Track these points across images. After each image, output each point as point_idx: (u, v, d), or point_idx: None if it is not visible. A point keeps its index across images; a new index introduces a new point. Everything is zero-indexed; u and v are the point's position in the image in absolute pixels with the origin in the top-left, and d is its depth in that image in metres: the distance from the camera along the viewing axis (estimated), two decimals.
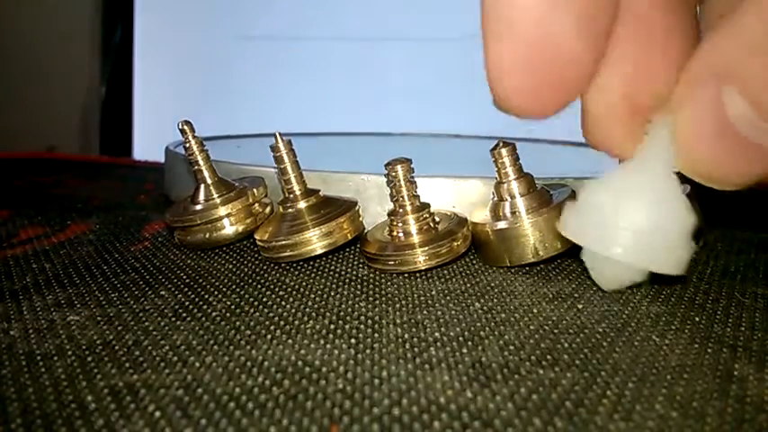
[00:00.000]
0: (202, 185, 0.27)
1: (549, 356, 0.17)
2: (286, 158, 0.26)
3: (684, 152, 0.16)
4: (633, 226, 0.18)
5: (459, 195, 0.27)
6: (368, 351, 0.18)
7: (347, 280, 0.24)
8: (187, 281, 0.23)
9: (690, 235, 0.18)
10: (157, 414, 0.14)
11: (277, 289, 0.23)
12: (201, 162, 0.27)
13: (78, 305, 0.21)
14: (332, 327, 0.19)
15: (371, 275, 0.24)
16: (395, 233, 0.25)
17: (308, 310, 0.21)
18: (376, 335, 0.19)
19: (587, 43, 0.15)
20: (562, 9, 0.15)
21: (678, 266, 0.18)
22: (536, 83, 0.16)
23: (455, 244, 0.24)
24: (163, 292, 0.22)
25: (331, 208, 0.25)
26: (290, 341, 0.18)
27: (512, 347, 0.18)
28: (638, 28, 0.16)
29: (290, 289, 0.23)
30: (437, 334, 0.19)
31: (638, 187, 0.18)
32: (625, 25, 0.16)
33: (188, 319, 0.20)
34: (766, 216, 0.36)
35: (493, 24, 0.15)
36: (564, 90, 0.16)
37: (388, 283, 0.23)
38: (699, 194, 0.31)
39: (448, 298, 0.22)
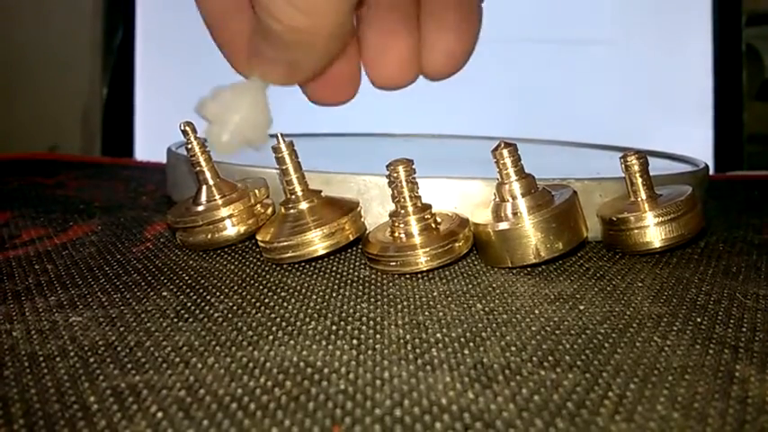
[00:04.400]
0: (204, 186, 0.27)
1: (550, 357, 0.17)
2: (288, 159, 0.26)
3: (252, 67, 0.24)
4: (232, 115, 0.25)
5: (460, 196, 0.27)
6: (370, 352, 0.18)
7: (349, 281, 0.24)
8: (189, 282, 0.23)
9: (261, 129, 0.25)
10: (159, 415, 0.14)
11: (279, 290, 0.23)
12: (203, 163, 0.27)
13: (80, 306, 0.21)
14: (334, 328, 0.19)
15: (373, 276, 0.24)
16: (396, 234, 0.25)
17: (309, 311, 0.21)
18: (378, 336, 0.19)
19: None
20: None
21: (263, 138, 0.25)
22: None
23: (457, 245, 0.24)
24: (165, 293, 0.22)
25: (333, 209, 0.25)
26: (291, 342, 0.18)
27: (513, 348, 0.18)
28: None
29: (291, 290, 0.23)
30: (439, 335, 0.19)
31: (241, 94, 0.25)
32: None
33: (190, 320, 0.20)
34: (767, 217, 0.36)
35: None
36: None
37: (390, 284, 0.23)
38: (700, 196, 0.31)
39: (449, 299, 0.22)
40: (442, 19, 0.24)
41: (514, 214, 0.24)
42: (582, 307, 0.21)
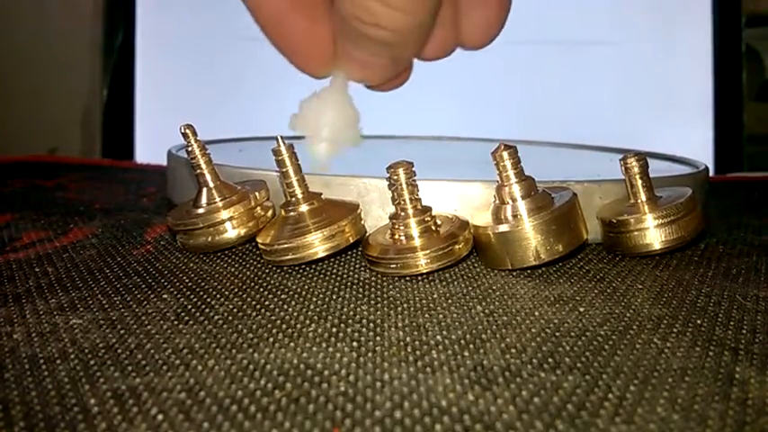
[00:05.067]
0: (204, 189, 0.27)
1: (550, 359, 0.17)
2: (288, 162, 0.26)
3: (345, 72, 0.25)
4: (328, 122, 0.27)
5: (460, 198, 0.27)
6: (370, 354, 0.18)
7: (349, 283, 0.24)
8: (189, 284, 0.23)
9: (354, 128, 0.27)
10: (160, 417, 0.14)
11: (279, 292, 0.23)
12: (204, 165, 0.27)
13: (81, 308, 0.21)
14: (334, 330, 0.19)
15: (373, 279, 0.24)
16: (396, 236, 0.25)
17: (309, 313, 0.21)
18: (378, 338, 0.19)
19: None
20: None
21: (354, 141, 0.27)
22: None
23: (457, 247, 0.24)
24: (165, 296, 0.22)
25: (333, 211, 0.25)
26: (292, 344, 0.18)
27: (513, 351, 0.18)
28: None
29: (291, 292, 0.23)
30: (439, 337, 0.19)
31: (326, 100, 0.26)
32: None
33: (190, 322, 0.20)
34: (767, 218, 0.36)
35: None
36: None
37: (390, 287, 0.23)
38: (700, 198, 0.31)
39: (449, 301, 0.22)
40: None
41: (514, 216, 0.24)
42: (582, 309, 0.21)
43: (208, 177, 0.27)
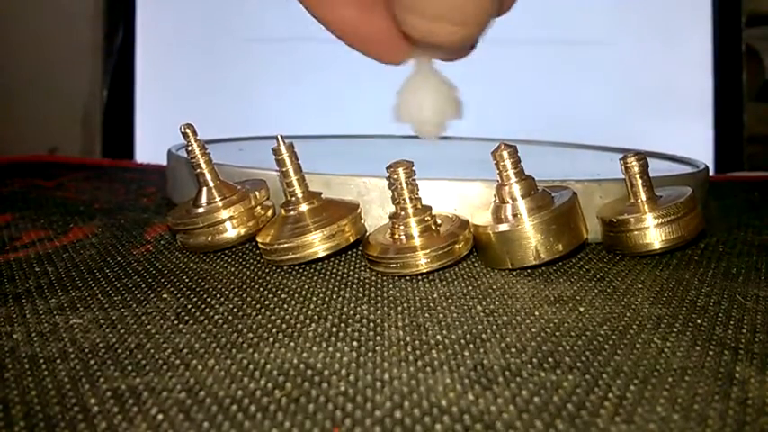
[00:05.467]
0: (204, 188, 0.27)
1: (550, 359, 0.17)
2: (288, 161, 0.26)
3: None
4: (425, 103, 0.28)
5: (460, 198, 0.27)
6: (370, 354, 0.18)
7: (349, 283, 0.24)
8: (189, 284, 0.23)
9: (454, 100, 0.28)
10: (160, 417, 0.14)
11: (279, 292, 0.23)
12: (204, 165, 0.27)
13: (81, 308, 0.21)
14: (334, 330, 0.19)
15: (373, 278, 0.24)
16: (396, 236, 0.25)
17: (309, 312, 0.21)
18: (378, 338, 0.19)
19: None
20: None
21: (457, 113, 0.28)
22: None
23: (457, 247, 0.24)
24: (165, 295, 0.22)
25: (333, 211, 0.25)
26: (292, 344, 0.18)
27: (513, 350, 0.18)
28: None
29: (291, 292, 0.23)
30: (439, 337, 0.19)
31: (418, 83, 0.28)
32: None
33: (190, 321, 0.20)
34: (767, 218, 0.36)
35: None
36: None
37: (390, 286, 0.23)
38: (700, 197, 0.31)
39: (449, 301, 0.22)
40: None
41: (514, 216, 0.24)
42: (582, 308, 0.21)
43: (208, 177, 0.27)
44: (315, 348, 0.18)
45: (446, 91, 0.28)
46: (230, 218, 0.26)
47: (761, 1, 0.76)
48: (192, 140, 0.27)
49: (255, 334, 0.19)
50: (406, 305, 0.21)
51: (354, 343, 0.18)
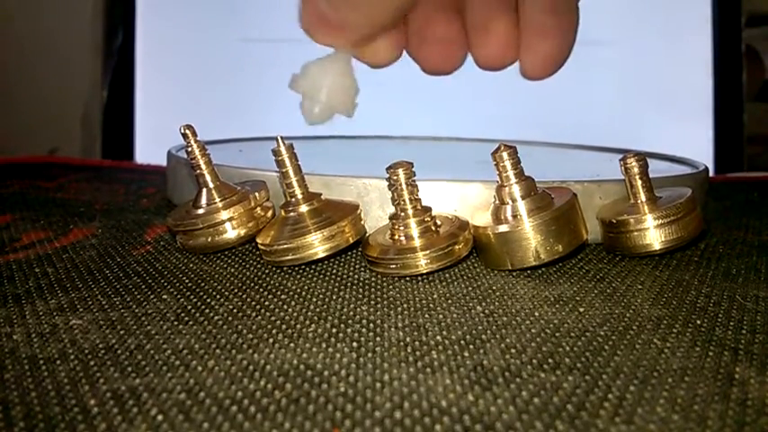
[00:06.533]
0: (204, 189, 0.27)
1: (550, 360, 0.17)
2: (288, 162, 0.26)
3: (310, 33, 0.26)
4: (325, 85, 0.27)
5: (460, 199, 0.27)
6: (370, 355, 0.18)
7: (349, 283, 0.24)
8: (189, 285, 0.23)
9: (350, 98, 0.28)
10: (160, 418, 0.14)
11: (279, 293, 0.23)
12: (203, 166, 0.27)
13: (81, 309, 0.21)
14: (334, 330, 0.19)
15: (373, 279, 0.24)
16: (396, 237, 0.25)
17: (309, 313, 0.21)
18: (378, 338, 0.19)
19: None
20: None
21: (349, 111, 0.28)
22: None
23: (457, 247, 0.24)
24: (165, 296, 0.22)
25: (333, 211, 0.25)
26: (291, 345, 0.18)
27: (513, 351, 0.18)
28: None
29: (291, 293, 0.23)
30: (439, 337, 0.19)
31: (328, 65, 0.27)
32: None
33: (190, 322, 0.20)
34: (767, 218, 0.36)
35: None
36: None
37: (390, 287, 0.23)
38: (700, 198, 0.31)
39: (449, 301, 0.22)
40: (542, 23, 0.25)
41: (514, 217, 0.24)
42: (582, 309, 0.21)
43: (208, 178, 0.27)
44: (315, 349, 0.18)
45: (349, 86, 0.28)
46: (230, 219, 0.26)
47: (761, 1, 0.76)
48: (192, 141, 0.27)
49: (255, 335, 0.19)
50: (405, 306, 0.21)
51: (354, 344, 0.18)
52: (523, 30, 0.25)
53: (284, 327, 0.20)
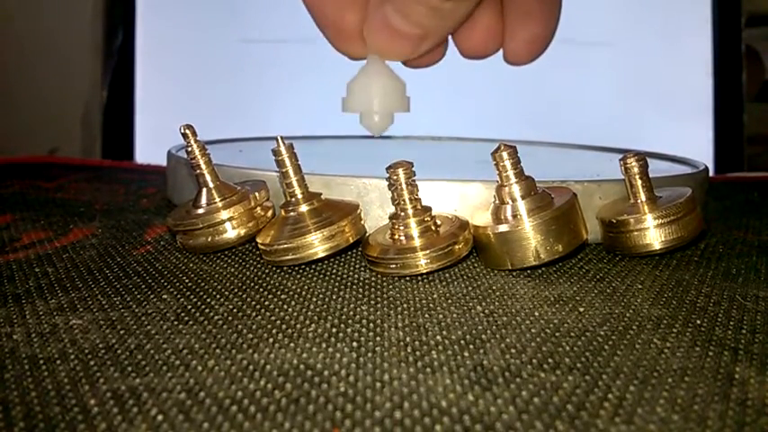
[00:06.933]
0: (204, 189, 0.27)
1: (550, 360, 0.17)
2: (288, 162, 0.26)
3: (373, 45, 0.28)
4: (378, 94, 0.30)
5: (460, 198, 0.27)
6: (369, 354, 0.18)
7: (349, 283, 0.24)
8: (189, 284, 0.23)
9: (400, 94, 0.30)
10: (160, 417, 0.14)
11: (279, 292, 0.23)
12: (203, 166, 0.27)
13: (81, 309, 0.21)
14: (334, 330, 0.19)
15: (373, 279, 0.24)
16: (396, 236, 0.25)
17: (309, 313, 0.21)
18: (378, 338, 0.19)
19: None
20: None
21: (403, 107, 0.30)
22: None
23: (457, 247, 0.24)
24: (165, 296, 0.22)
25: (333, 211, 0.25)
26: (291, 345, 0.18)
27: (513, 351, 0.18)
28: None
29: (291, 292, 0.23)
30: (438, 337, 0.19)
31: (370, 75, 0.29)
32: None
33: (190, 322, 0.20)
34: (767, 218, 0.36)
35: None
36: None
37: (390, 287, 0.23)
38: (700, 198, 0.31)
39: (449, 301, 0.22)
40: (526, 8, 0.26)
41: (514, 216, 0.24)
42: (582, 309, 0.21)
43: (208, 178, 0.27)
44: (314, 349, 0.18)
45: (395, 86, 0.29)
46: (230, 219, 0.26)
47: (761, 1, 0.76)
48: (192, 141, 0.27)
49: (255, 335, 0.19)
50: (405, 306, 0.21)
51: (354, 344, 0.18)
52: (507, 15, 0.26)
53: (284, 327, 0.20)
